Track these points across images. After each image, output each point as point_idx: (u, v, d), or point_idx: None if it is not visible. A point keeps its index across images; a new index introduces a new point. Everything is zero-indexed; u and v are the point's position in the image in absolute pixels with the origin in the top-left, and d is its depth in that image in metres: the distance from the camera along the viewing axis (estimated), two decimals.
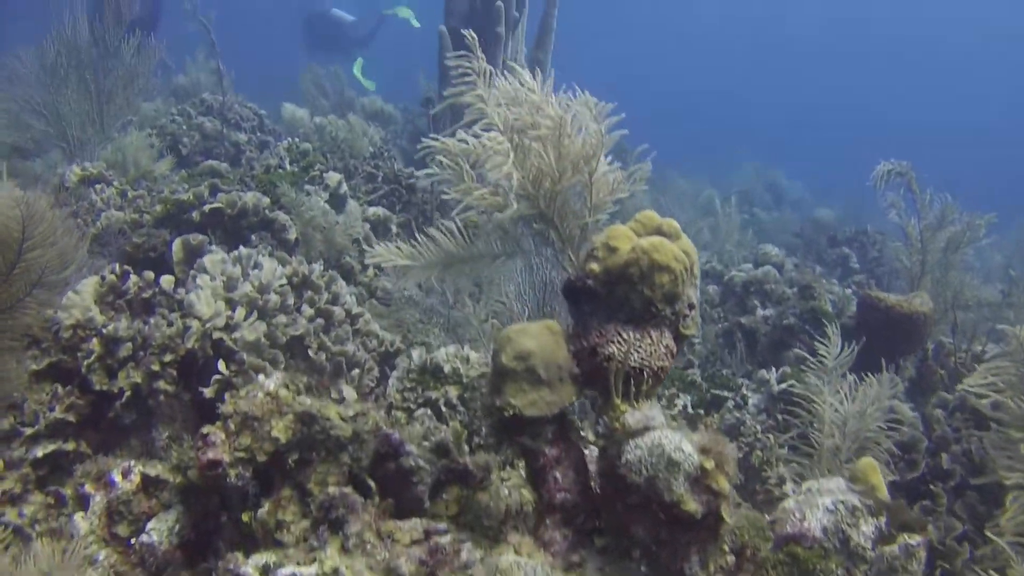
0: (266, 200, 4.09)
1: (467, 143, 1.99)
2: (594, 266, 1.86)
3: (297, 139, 5.55)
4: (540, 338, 1.85)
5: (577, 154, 1.90)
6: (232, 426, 1.96)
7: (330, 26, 14.28)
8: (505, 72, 2.08)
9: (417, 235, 4.57)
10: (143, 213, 4.12)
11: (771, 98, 42.15)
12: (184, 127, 6.46)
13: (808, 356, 4.12)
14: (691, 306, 1.92)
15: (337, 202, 4.67)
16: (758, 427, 3.90)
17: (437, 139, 2.05)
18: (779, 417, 4.15)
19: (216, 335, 2.88)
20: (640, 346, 1.83)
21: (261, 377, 2.12)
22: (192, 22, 5.93)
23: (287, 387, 2.06)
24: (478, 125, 2.06)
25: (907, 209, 6.15)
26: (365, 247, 4.33)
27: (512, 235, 2.00)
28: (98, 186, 4.33)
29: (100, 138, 5.33)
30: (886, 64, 44.01)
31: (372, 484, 1.95)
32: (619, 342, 1.82)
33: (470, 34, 2.02)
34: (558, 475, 1.90)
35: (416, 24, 13.96)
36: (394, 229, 4.98)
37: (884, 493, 2.09)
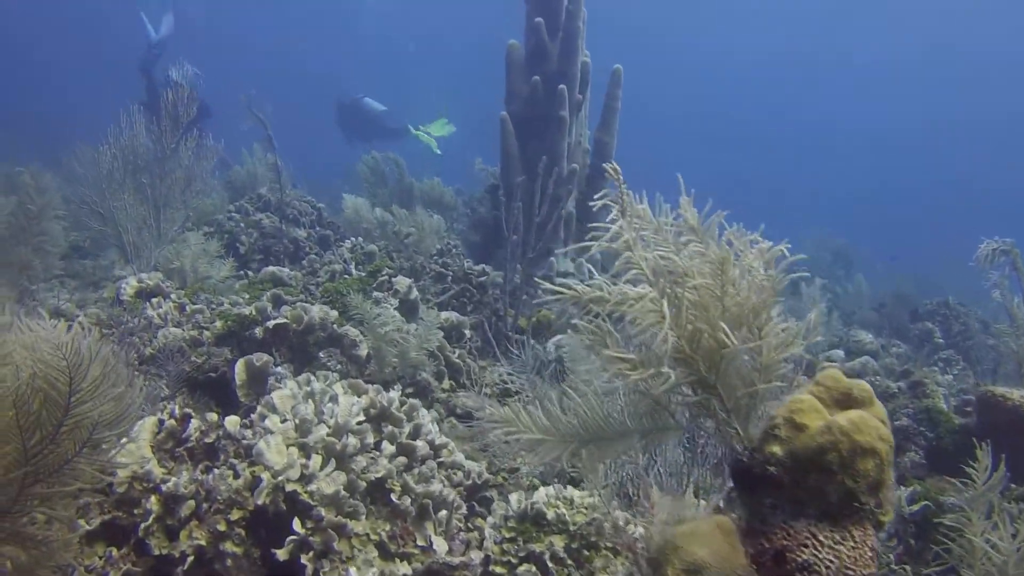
0: (334, 314, 3.78)
1: (602, 290, 1.62)
2: (776, 448, 1.47)
3: (361, 239, 5.29)
4: (713, 543, 1.46)
5: (745, 306, 1.53)
6: None
7: (362, 115, 14.41)
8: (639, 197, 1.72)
9: (491, 337, 4.18)
10: (203, 329, 3.82)
11: (827, 164, 41.85)
12: (242, 225, 6.24)
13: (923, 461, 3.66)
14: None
15: (408, 308, 4.34)
16: (891, 556, 3.44)
17: (569, 286, 1.68)
18: (911, 542, 3.67)
19: (290, 487, 2.52)
20: (841, 551, 1.43)
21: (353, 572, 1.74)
22: (247, 117, 5.73)
23: None
24: (620, 268, 1.69)
25: (1012, 288, 5.70)
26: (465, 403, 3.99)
27: (665, 406, 1.62)
28: (155, 300, 4.06)
29: (157, 242, 5.11)
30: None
31: None
32: (815, 546, 1.42)
33: (612, 167, 1.65)
34: None
35: (437, 152, 13.97)
36: (467, 334, 4.63)
37: None
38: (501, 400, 4.22)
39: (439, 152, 13.43)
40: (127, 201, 5.01)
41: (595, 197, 1.73)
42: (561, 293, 1.67)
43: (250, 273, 5.79)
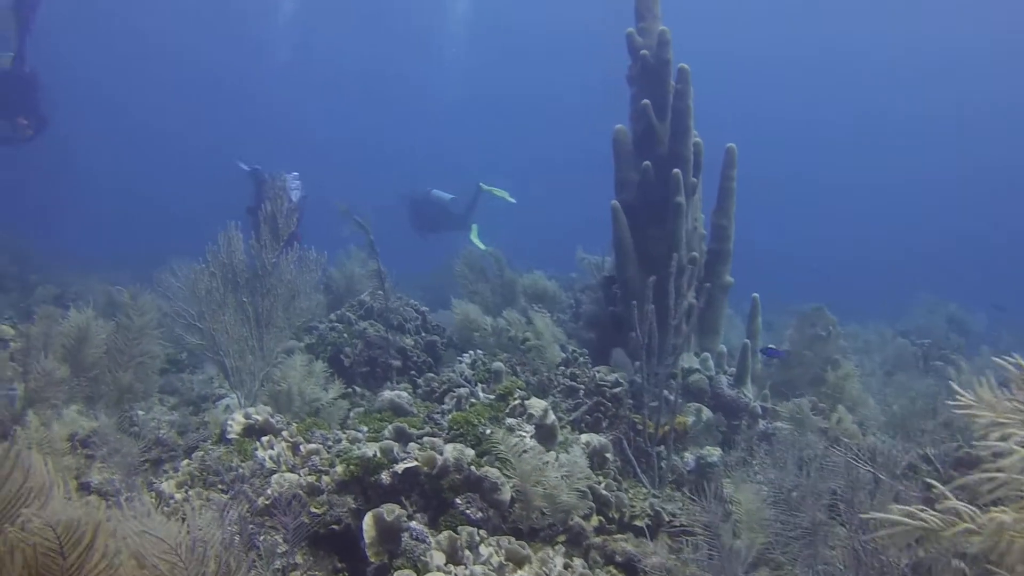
0: (470, 452, 3.28)
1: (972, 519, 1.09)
2: None
3: (481, 354, 4.85)
4: None
5: None
6: None
7: (432, 207, 14.94)
8: None
9: (631, 455, 3.57)
10: (321, 474, 3.37)
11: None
12: (345, 335, 5.86)
13: None
14: None
15: (545, 435, 3.83)
16: None
17: (916, 516, 1.15)
18: None
19: None
20: None
21: None
22: (347, 223, 5.39)
23: None
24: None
25: None
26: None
27: None
28: (265, 439, 3.62)
29: (260, 364, 4.73)
30: None
31: None
32: None
33: None
34: None
35: (512, 200, 14.57)
36: (610, 457, 4.09)
37: None
38: (653, 532, 3.66)
39: (513, 200, 13.99)
40: (227, 322, 4.67)
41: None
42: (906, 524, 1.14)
43: (357, 389, 5.38)
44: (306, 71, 42.25)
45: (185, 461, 3.68)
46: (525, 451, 3.28)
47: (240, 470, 3.40)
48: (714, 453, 4.98)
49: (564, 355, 5.17)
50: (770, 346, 6.37)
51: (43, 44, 12.12)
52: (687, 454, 4.97)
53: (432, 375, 4.78)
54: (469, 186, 15.27)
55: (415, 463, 3.21)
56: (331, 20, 39.68)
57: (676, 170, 6.41)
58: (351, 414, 4.41)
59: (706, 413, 5.51)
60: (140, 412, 5.30)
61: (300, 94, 43.30)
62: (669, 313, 5.76)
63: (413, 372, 5.70)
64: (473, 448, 3.47)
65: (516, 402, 3.93)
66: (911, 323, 13.90)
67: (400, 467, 3.20)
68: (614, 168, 6.74)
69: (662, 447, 4.55)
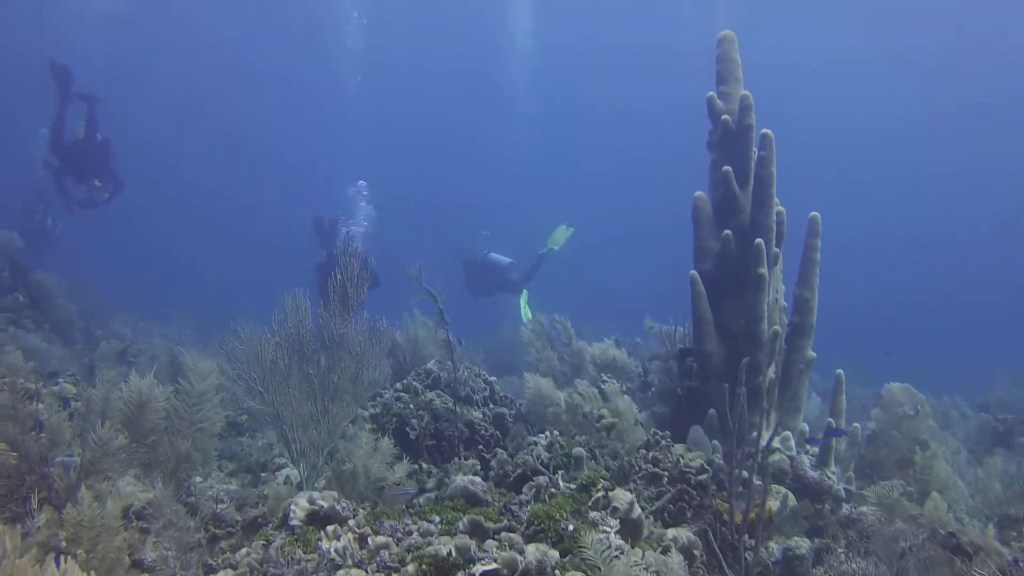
0: (554, 554, 2.99)
1: None
2: None
3: (559, 436, 4.57)
4: None
5: None
6: None
7: (489, 270, 15.04)
8: None
9: (716, 548, 3.24)
10: (391, 571, 3.09)
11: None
12: (411, 406, 5.62)
13: None
14: None
15: (631, 529, 3.53)
16: None
17: None
18: None
19: None
20: None
21: None
22: (417, 291, 5.19)
23: None
24: None
25: None
26: None
27: None
28: (331, 528, 3.37)
29: (325, 440, 4.50)
30: None
31: None
32: None
33: None
34: None
35: (571, 229, 15.11)
36: (698, 555, 3.75)
37: None
38: None
39: (573, 228, 14.66)
40: (291, 395, 4.45)
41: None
42: None
43: (424, 465, 5.12)
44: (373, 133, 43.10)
45: (244, 550, 3.43)
46: (614, 555, 2.97)
47: (304, 563, 3.14)
48: (802, 545, 4.63)
49: (645, 437, 4.86)
50: (833, 427, 6.04)
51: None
52: (772, 544, 4.62)
53: (505, 457, 4.49)
54: (528, 248, 15.37)
55: (494, 565, 2.92)
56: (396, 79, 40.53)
57: (758, 240, 6.11)
58: (421, 499, 4.14)
59: (792, 499, 5.15)
60: (198, 479, 5.11)
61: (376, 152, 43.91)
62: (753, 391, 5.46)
63: (481, 447, 5.43)
64: (555, 546, 3.17)
65: (600, 494, 3.62)
66: (991, 395, 13.30)
67: (478, 569, 2.91)
68: (693, 236, 6.47)
69: (748, 537, 4.21)
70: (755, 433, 5.95)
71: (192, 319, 15.99)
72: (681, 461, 4.42)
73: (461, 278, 15.18)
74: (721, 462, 4.99)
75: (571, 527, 3.23)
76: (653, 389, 7.28)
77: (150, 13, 33.77)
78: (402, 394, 5.83)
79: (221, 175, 47.10)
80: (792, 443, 6.07)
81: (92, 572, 3.03)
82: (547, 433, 4.89)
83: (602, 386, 5.91)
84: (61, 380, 7.35)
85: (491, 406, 5.96)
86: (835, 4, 34.64)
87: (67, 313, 10.73)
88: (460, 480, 3.95)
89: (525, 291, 14.55)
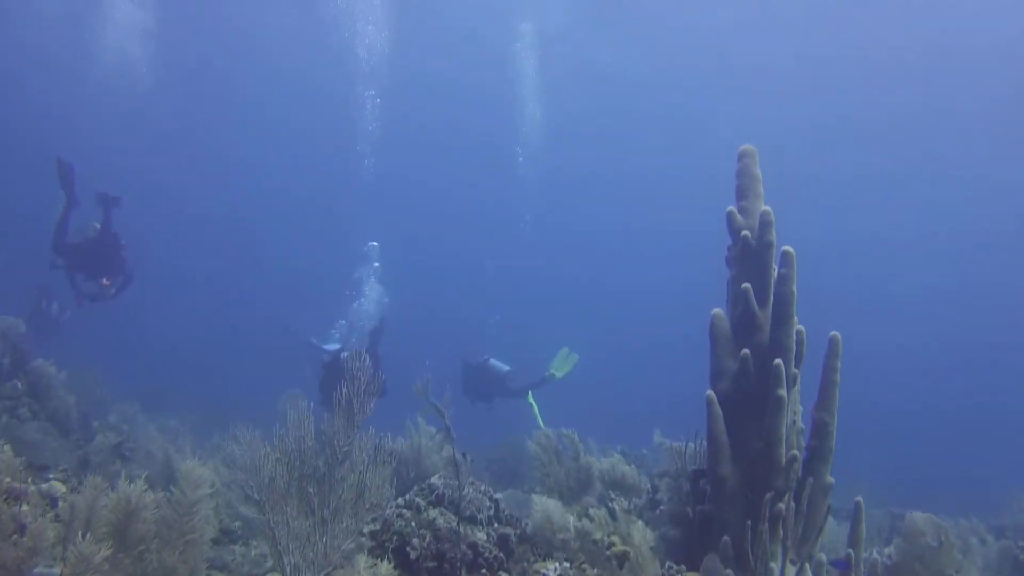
0: None
1: None
2: None
3: (570, 569, 4.31)
4: None
5: None
6: None
7: (489, 376, 15.04)
8: None
9: None
10: None
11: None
12: (413, 524, 5.37)
13: None
14: None
15: None
16: None
17: None
18: None
19: None
20: None
21: None
22: (424, 405, 5.02)
23: None
24: None
25: None
26: None
27: None
28: None
29: (322, 563, 4.24)
30: None
31: None
32: None
33: None
34: None
35: (575, 356, 15.14)
36: None
37: None
38: None
39: (577, 356, 14.63)
40: (289, 515, 4.23)
41: None
42: None
43: None
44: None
45: None
46: None
47: None
48: None
49: (660, 571, 4.59)
50: (839, 559, 5.79)
51: None
52: None
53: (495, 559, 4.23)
54: (536, 361, 15.43)
55: None
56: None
57: (778, 360, 5.92)
58: None
59: None
60: None
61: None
62: (768, 517, 5.20)
63: (484, 570, 5.16)
64: None
65: None
66: (1009, 518, 12.98)
67: None
68: (711, 354, 6.28)
69: None
70: (772, 564, 5.68)
71: (195, 407, 15.81)
72: None
73: (460, 381, 15.14)
74: None
75: None
76: (662, 508, 7.01)
77: (159, 111, 34.54)
78: (404, 511, 5.58)
79: (231, 269, 47.57)
80: (809, 574, 5.79)
81: None
82: (556, 565, 4.64)
83: (611, 505, 5.67)
84: (51, 476, 7.12)
85: (496, 525, 5.69)
86: (856, 123, 35.39)
87: (65, 403, 10.57)
88: None
89: (531, 394, 14.49)
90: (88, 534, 4.18)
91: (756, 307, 6.23)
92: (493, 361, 15.17)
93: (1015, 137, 33.63)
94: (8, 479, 5.33)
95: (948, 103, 33.50)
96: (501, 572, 5.09)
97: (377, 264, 18.23)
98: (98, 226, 11.81)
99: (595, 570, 4.71)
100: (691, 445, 7.20)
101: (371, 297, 17.23)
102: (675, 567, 4.66)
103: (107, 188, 11.88)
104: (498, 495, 6.15)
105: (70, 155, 11.77)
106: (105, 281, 11.84)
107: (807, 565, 5.87)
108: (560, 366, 15.06)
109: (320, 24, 27.38)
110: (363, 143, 29.55)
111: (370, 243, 18.24)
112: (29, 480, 6.13)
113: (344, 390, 4.32)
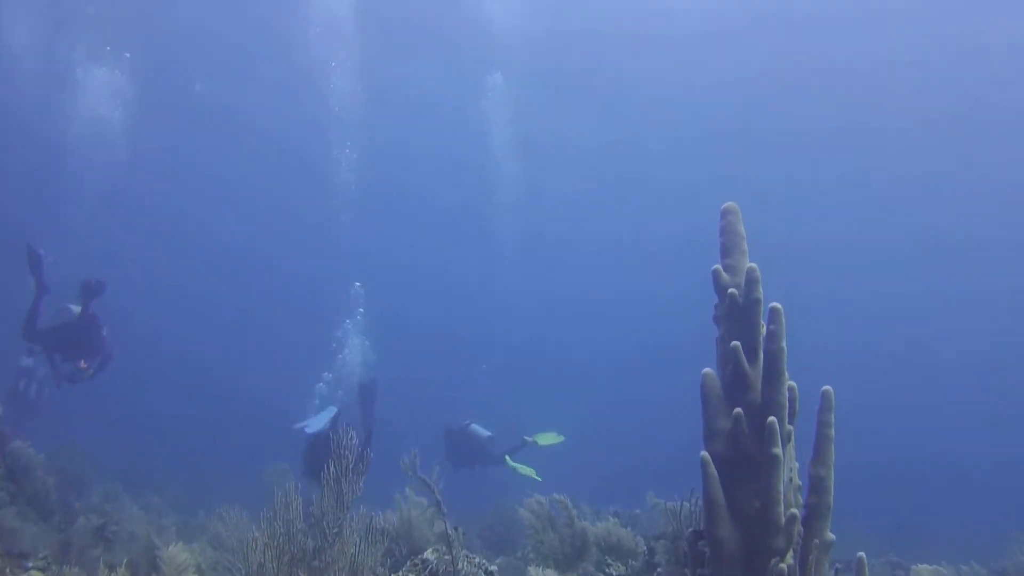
0: None
1: None
2: None
3: None
4: None
5: None
6: None
7: (471, 441, 14.82)
8: None
9: None
10: None
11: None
12: None
13: None
14: None
15: None
16: None
17: None
18: None
19: None
20: None
21: None
22: (413, 479, 4.93)
23: None
24: None
25: None
26: None
27: None
28: None
29: None
30: None
31: None
32: None
33: None
34: None
35: (561, 438, 14.88)
36: None
37: None
38: None
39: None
40: None
41: None
42: None
43: None
44: None
45: None
46: None
47: None
48: None
49: None
50: None
51: None
52: None
53: None
54: (514, 428, 15.31)
55: None
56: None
57: (771, 418, 5.84)
58: None
59: None
60: None
61: None
62: None
63: None
64: None
65: None
66: (1009, 561, 12.84)
67: None
68: (703, 415, 6.19)
69: None
70: None
71: (179, 482, 15.52)
72: None
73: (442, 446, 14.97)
74: None
75: None
76: (660, 571, 6.88)
77: (140, 194, 34.56)
78: None
79: (213, 344, 47.21)
80: None
81: None
82: None
83: (608, 571, 5.54)
84: (31, 565, 6.90)
85: None
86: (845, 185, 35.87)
87: (45, 485, 10.34)
88: None
89: (508, 458, 14.30)
90: None
91: (746, 365, 6.16)
92: (474, 426, 14.98)
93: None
94: None
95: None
96: None
97: (362, 310, 18.10)
98: (77, 309, 11.76)
99: None
100: (686, 505, 7.08)
101: (355, 347, 17.12)
102: None
103: (88, 270, 11.91)
104: (492, 567, 6.00)
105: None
106: (83, 364, 11.79)
107: None
108: (543, 439, 14.91)
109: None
110: (340, 200, 29.72)
111: (355, 284, 18.08)
112: (7, 571, 5.94)
113: (332, 469, 4.21)
